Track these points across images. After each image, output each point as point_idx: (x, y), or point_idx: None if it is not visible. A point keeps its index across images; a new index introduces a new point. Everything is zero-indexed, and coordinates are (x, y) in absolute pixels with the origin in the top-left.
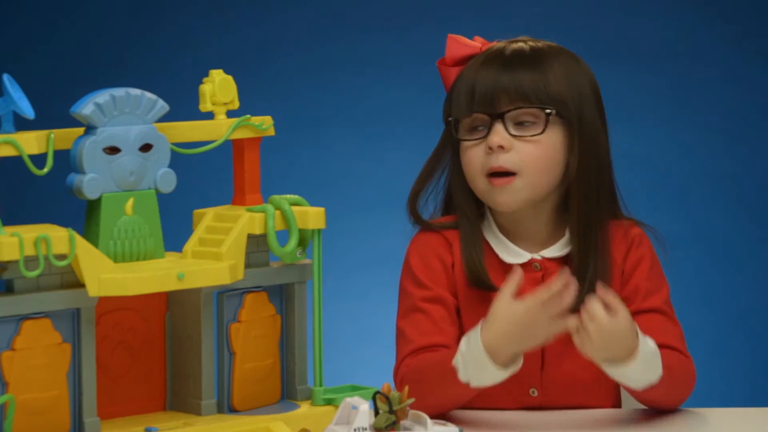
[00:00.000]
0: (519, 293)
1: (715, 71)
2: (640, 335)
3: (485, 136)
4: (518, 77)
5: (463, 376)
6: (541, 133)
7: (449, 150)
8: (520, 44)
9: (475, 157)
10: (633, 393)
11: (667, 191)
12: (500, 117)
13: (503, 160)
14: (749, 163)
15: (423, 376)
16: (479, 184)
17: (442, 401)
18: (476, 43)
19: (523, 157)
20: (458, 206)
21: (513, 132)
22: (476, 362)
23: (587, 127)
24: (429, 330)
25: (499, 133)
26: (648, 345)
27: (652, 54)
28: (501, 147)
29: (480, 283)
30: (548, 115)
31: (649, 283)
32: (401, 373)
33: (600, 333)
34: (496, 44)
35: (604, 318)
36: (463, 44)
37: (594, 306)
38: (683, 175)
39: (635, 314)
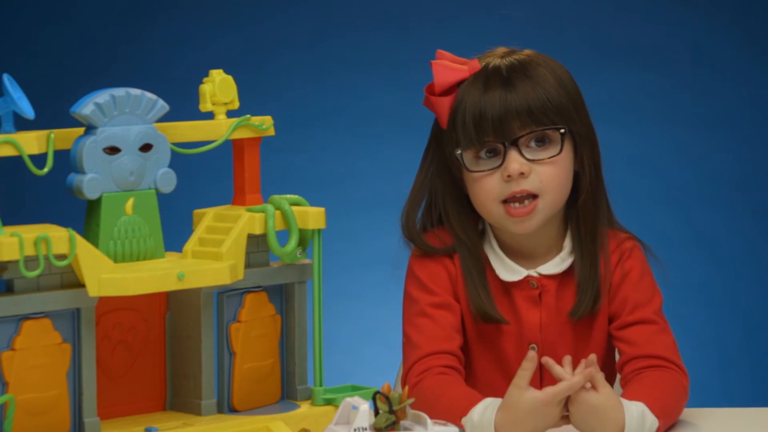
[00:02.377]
0: (518, 315)
1: (715, 71)
2: (625, 404)
3: (499, 165)
4: (525, 98)
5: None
6: (559, 153)
7: (438, 182)
8: (510, 60)
9: (490, 185)
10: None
11: (665, 191)
12: (514, 143)
13: (525, 185)
14: (749, 163)
15: (432, 410)
16: (494, 211)
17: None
18: (463, 67)
19: (543, 178)
20: (457, 236)
21: (529, 156)
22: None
23: (585, 131)
24: (437, 336)
25: (517, 160)
26: (632, 412)
27: (652, 54)
28: (522, 173)
29: (488, 319)
30: (563, 134)
31: (638, 294)
32: (412, 382)
33: (581, 405)
34: (486, 62)
35: (586, 393)
36: (450, 69)
37: (577, 382)
38: (682, 175)
39: (624, 327)
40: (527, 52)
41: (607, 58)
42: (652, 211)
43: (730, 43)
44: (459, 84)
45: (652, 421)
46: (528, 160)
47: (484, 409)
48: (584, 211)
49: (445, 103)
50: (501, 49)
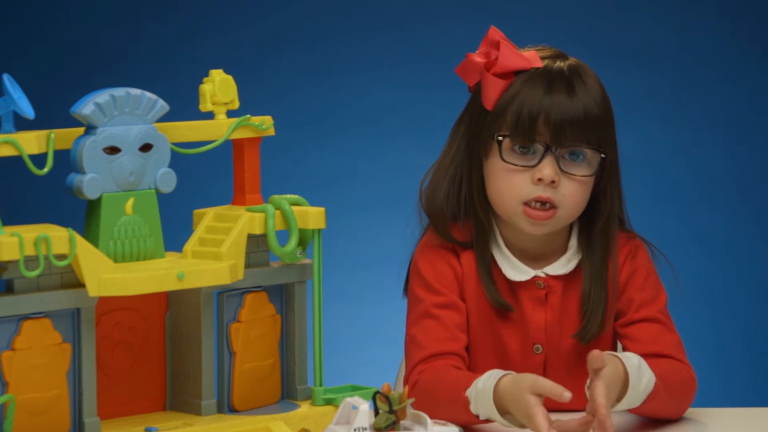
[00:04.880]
0: (523, 315)
1: (714, 70)
2: (621, 356)
3: (533, 166)
4: (588, 112)
5: (473, 409)
6: (591, 175)
7: (473, 154)
8: (568, 64)
9: (519, 183)
10: (635, 411)
11: (665, 190)
12: (558, 150)
13: (551, 194)
14: (748, 162)
15: (435, 394)
16: (512, 207)
17: (451, 420)
18: (532, 58)
19: (567, 193)
20: (478, 221)
21: (563, 167)
22: (487, 409)
23: (615, 158)
24: (442, 336)
25: (552, 167)
26: (630, 359)
27: (651, 53)
28: (553, 182)
29: (499, 305)
30: (603, 159)
31: (644, 293)
32: (413, 380)
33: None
34: (546, 61)
35: (603, 396)
36: (518, 56)
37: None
38: (681, 174)
39: (629, 324)
40: (574, 59)
41: (606, 56)
42: (652, 212)
43: (730, 42)
44: (516, 72)
45: (649, 376)
46: (561, 170)
47: (489, 376)
48: (603, 229)
49: (499, 85)
50: (548, 48)
